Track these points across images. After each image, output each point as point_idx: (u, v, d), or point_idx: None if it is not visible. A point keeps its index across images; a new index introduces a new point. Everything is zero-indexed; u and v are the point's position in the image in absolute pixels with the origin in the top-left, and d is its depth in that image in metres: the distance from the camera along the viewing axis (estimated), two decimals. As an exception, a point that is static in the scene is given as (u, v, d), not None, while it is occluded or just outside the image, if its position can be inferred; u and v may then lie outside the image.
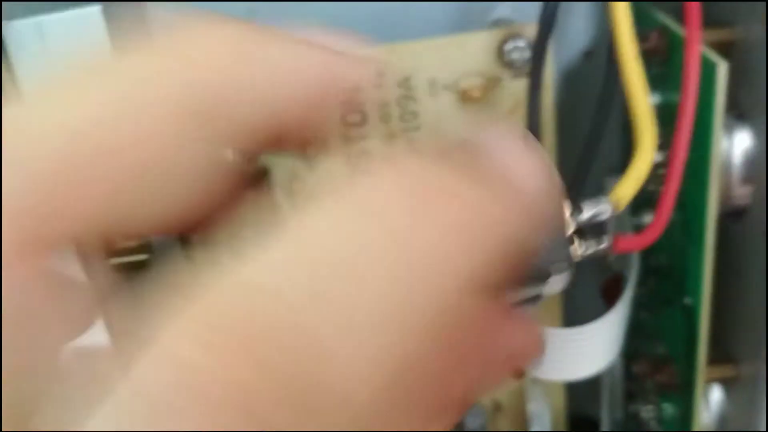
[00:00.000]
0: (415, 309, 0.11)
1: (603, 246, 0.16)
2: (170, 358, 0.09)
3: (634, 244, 0.17)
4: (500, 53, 0.28)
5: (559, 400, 0.36)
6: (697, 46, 0.21)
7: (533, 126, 0.24)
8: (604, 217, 0.16)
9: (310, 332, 0.10)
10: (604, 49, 0.32)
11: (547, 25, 0.25)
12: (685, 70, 0.20)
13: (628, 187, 0.17)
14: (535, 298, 0.16)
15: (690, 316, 0.28)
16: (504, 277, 0.12)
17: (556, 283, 0.15)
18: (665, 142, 0.28)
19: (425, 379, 0.11)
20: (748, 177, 0.26)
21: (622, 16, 0.19)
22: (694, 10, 0.21)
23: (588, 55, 0.32)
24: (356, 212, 0.11)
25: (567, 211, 0.15)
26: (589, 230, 0.17)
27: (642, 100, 0.18)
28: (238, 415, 0.09)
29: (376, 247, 0.11)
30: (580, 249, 0.15)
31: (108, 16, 0.22)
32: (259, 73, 0.14)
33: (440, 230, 0.11)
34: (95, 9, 0.22)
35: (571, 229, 0.15)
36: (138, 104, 0.12)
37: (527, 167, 0.13)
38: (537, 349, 0.14)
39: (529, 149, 0.13)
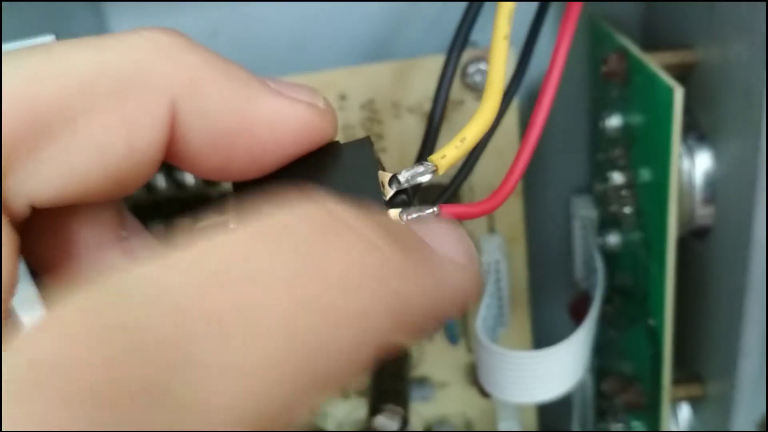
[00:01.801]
0: (302, 345, 0.11)
1: (428, 211, 0.15)
2: (27, 346, 0.09)
3: (461, 211, 0.16)
4: (463, 76, 0.28)
5: (531, 417, 0.36)
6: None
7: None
8: (424, 177, 0.16)
9: (185, 337, 0.10)
10: (569, 73, 0.32)
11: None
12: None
13: (452, 147, 0.16)
14: None
15: (654, 336, 0.28)
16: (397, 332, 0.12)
17: None
18: (626, 163, 0.28)
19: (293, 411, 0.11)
20: (709, 197, 0.26)
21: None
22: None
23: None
24: (262, 238, 0.11)
25: (384, 178, 0.16)
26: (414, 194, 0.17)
27: (500, 73, 0.19)
28: (80, 408, 0.09)
29: (273, 273, 0.11)
30: (402, 215, 0.15)
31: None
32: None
33: (338, 270, 0.11)
34: (49, 39, 0.21)
35: (389, 194, 0.15)
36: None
37: (449, 242, 0.14)
38: None
39: (458, 232, 0.14)
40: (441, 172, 0.16)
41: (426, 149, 0.22)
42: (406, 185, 0.16)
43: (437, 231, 0.14)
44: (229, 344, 0.10)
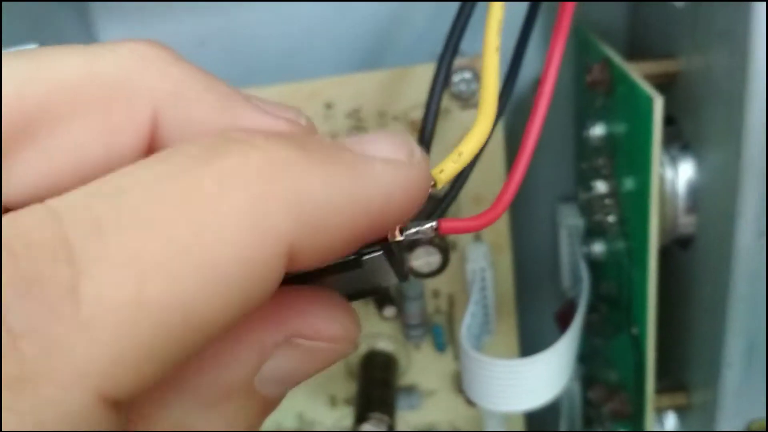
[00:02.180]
0: (186, 236, 0.11)
1: (427, 226, 0.15)
2: None
3: (460, 226, 0.16)
4: (448, 85, 0.29)
5: (518, 426, 0.37)
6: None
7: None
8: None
9: (61, 237, 0.10)
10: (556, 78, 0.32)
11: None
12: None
13: (450, 161, 0.16)
14: (371, 291, 0.16)
15: (637, 345, 0.28)
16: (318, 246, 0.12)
17: (382, 268, 0.15)
18: (610, 172, 0.28)
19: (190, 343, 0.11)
20: (692, 206, 0.27)
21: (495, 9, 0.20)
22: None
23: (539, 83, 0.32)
24: (151, 158, 0.12)
25: None
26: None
27: (493, 86, 0.19)
28: None
29: (152, 177, 0.11)
30: (402, 231, 0.15)
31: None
32: None
33: (219, 168, 0.12)
34: (33, 48, 0.21)
35: None
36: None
37: (380, 142, 0.14)
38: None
39: (394, 135, 0.14)
40: (440, 186, 0.16)
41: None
42: None
43: (368, 136, 0.14)
44: (105, 240, 0.10)
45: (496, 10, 0.20)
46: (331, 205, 0.12)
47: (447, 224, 0.15)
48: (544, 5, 0.26)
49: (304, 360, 0.14)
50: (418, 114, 0.29)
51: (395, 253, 0.15)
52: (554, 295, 0.36)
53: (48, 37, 0.28)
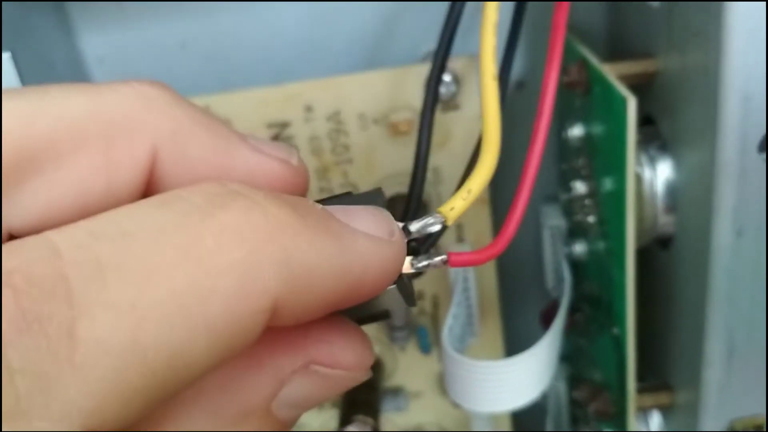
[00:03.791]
0: (180, 287, 0.11)
1: (437, 259, 0.16)
2: None
3: (469, 259, 0.17)
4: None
5: (505, 426, 0.37)
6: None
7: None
8: (434, 228, 0.16)
9: (60, 277, 0.11)
10: (537, 80, 0.32)
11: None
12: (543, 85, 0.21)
13: (459, 199, 0.17)
14: (380, 315, 0.17)
15: (618, 344, 0.28)
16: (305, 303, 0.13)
17: (393, 298, 0.16)
18: (589, 172, 0.28)
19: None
20: (671, 206, 0.26)
21: (487, 34, 0.20)
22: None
23: (520, 85, 0.32)
24: (153, 201, 0.12)
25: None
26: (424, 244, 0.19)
27: (494, 117, 0.19)
28: None
29: (153, 225, 0.12)
30: (413, 263, 0.16)
31: (18, 62, 0.22)
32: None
33: (219, 223, 0.12)
34: (6, 56, 0.22)
35: None
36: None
37: (364, 217, 0.15)
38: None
39: (376, 210, 0.15)
40: (450, 223, 0.17)
41: (417, 180, 0.23)
42: (416, 235, 0.16)
43: (354, 209, 0.15)
44: (106, 285, 0.11)
45: (489, 35, 0.20)
46: (316, 269, 0.13)
47: (456, 258, 0.16)
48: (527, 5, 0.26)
49: (320, 386, 0.15)
50: (398, 116, 0.29)
51: (407, 284, 0.16)
52: (539, 295, 0.36)
53: (27, 41, 0.28)
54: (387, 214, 0.15)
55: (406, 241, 0.16)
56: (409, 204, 0.23)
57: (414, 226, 0.16)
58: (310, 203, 0.14)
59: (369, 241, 0.14)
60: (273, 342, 0.14)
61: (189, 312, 0.11)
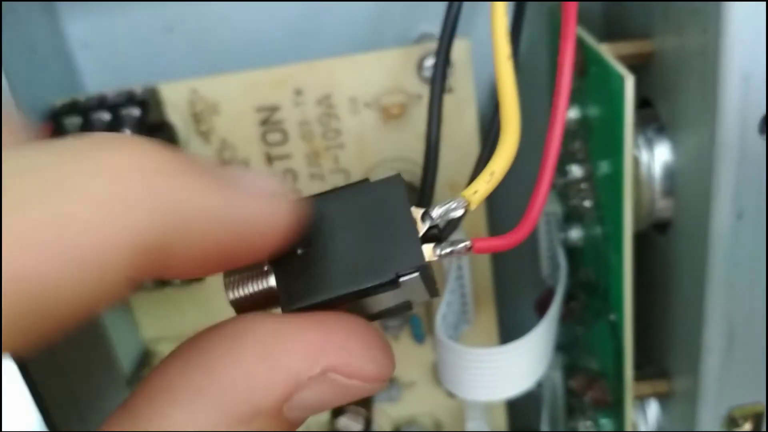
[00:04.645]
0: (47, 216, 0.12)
1: (460, 246, 0.15)
2: None
3: (494, 244, 0.16)
4: (420, 69, 0.28)
5: (500, 416, 0.36)
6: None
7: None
8: (457, 213, 0.16)
9: None
10: (532, 61, 0.32)
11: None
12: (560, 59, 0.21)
13: (482, 182, 0.16)
14: (401, 307, 0.16)
15: (615, 332, 0.27)
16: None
17: (416, 288, 0.15)
18: (585, 156, 0.27)
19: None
20: (669, 190, 0.26)
21: (499, 15, 0.20)
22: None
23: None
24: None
25: (416, 214, 0.16)
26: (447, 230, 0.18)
27: (511, 97, 0.18)
28: None
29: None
30: (435, 250, 0.15)
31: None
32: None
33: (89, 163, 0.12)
34: None
35: (421, 231, 0.15)
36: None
37: (253, 178, 0.14)
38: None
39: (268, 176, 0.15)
40: (473, 207, 0.16)
41: (429, 168, 0.23)
42: (438, 221, 0.16)
43: (250, 172, 0.15)
44: None
45: (500, 14, 0.20)
46: (197, 212, 0.13)
47: (481, 244, 0.16)
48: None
49: (335, 394, 0.15)
50: (389, 99, 0.29)
51: (430, 273, 0.15)
52: (533, 283, 0.35)
53: (9, 24, 0.27)
54: (277, 179, 0.15)
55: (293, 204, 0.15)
56: (423, 191, 0.23)
57: (436, 211, 0.16)
58: (203, 158, 0.14)
59: (260, 196, 0.14)
60: (292, 345, 0.14)
61: (45, 238, 0.11)
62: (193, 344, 0.15)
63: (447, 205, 0.16)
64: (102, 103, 0.28)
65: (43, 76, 0.29)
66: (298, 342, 0.14)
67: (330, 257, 0.15)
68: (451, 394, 0.33)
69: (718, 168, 0.23)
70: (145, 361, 0.33)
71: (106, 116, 0.27)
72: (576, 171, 0.27)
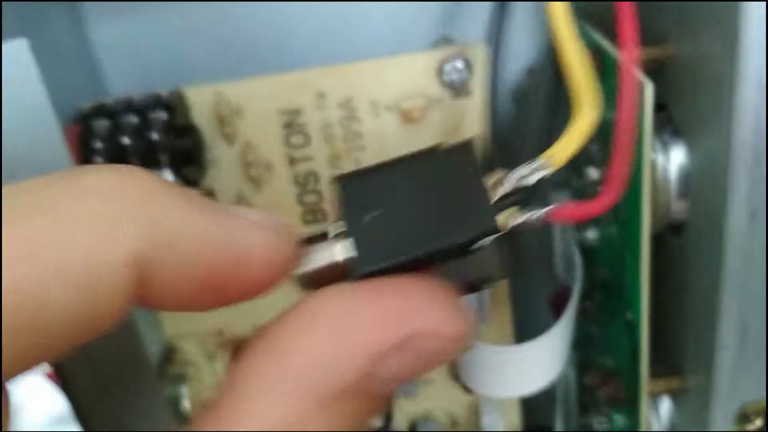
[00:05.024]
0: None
1: (542, 211, 0.15)
2: None
3: (572, 213, 0.16)
4: (440, 73, 0.29)
5: (514, 412, 0.37)
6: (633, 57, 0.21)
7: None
8: (535, 177, 0.15)
9: None
10: (548, 66, 0.32)
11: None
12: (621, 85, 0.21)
13: (564, 145, 0.16)
14: (477, 283, 0.16)
15: (631, 330, 0.28)
16: None
17: (491, 257, 0.15)
18: (602, 158, 0.28)
19: None
20: (684, 192, 0.27)
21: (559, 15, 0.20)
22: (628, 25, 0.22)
23: (531, 71, 0.32)
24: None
25: (490, 179, 0.15)
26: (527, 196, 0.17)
27: (578, 60, 0.18)
28: None
29: None
30: (511, 218, 0.15)
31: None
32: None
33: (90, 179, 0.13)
34: (22, 43, 0.22)
35: (496, 196, 0.15)
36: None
37: (249, 211, 0.15)
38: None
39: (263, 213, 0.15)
40: (556, 166, 0.16)
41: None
42: (516, 184, 0.15)
43: (251, 210, 0.15)
44: None
45: (560, 12, 0.20)
46: (186, 234, 0.13)
47: (563, 211, 0.15)
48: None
49: (419, 360, 0.14)
50: (409, 103, 0.29)
51: (505, 241, 0.15)
52: (548, 282, 0.36)
53: (37, 27, 0.28)
54: (273, 216, 0.15)
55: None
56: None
57: (518, 173, 0.15)
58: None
59: (252, 224, 0.14)
60: (366, 316, 0.14)
61: (39, 257, 0.12)
62: (267, 332, 0.14)
63: (531, 165, 0.15)
64: (129, 106, 0.29)
65: (69, 79, 0.30)
66: (372, 312, 0.14)
67: (401, 222, 0.15)
68: (467, 390, 0.33)
69: (732, 170, 0.24)
70: (168, 357, 0.33)
71: (133, 119, 0.28)
72: (593, 173, 0.28)
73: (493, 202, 0.15)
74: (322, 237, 0.15)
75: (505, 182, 0.15)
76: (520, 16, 0.31)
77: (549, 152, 0.16)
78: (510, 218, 0.15)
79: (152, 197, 0.13)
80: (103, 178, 0.13)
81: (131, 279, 0.13)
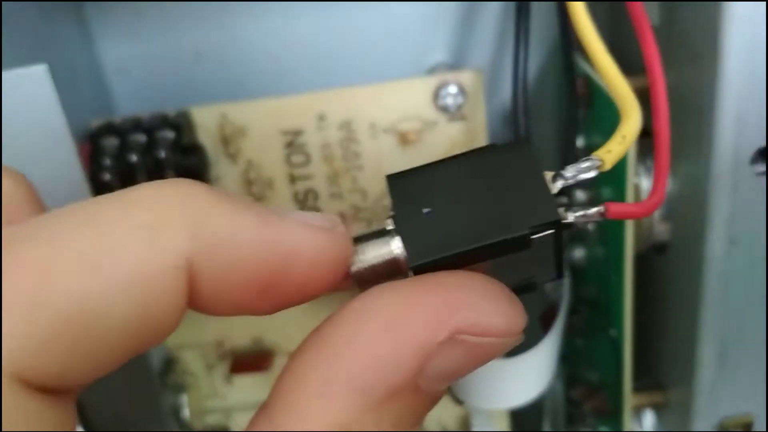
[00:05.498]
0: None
1: (593, 210, 0.15)
2: None
3: (629, 210, 0.16)
4: (435, 98, 0.30)
5: (504, 424, 0.38)
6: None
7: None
8: (591, 174, 0.16)
9: None
10: (545, 83, 0.33)
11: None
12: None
13: (615, 143, 0.16)
14: (525, 286, 0.16)
15: (616, 346, 0.29)
16: None
17: (545, 255, 0.15)
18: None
19: None
20: (667, 215, 0.28)
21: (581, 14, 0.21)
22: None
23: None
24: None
25: (548, 174, 0.15)
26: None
27: (621, 79, 0.20)
28: None
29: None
30: (569, 213, 0.15)
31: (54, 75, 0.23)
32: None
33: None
34: (42, 69, 0.23)
35: (555, 190, 0.15)
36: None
37: (299, 212, 0.15)
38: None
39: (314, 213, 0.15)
40: (607, 167, 0.16)
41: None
42: (572, 181, 0.15)
43: (293, 210, 0.15)
44: (22, 247, 0.12)
45: (579, 9, 0.21)
46: (234, 238, 0.13)
47: (615, 208, 0.15)
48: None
49: (469, 356, 0.14)
50: (405, 126, 0.31)
51: (562, 239, 0.15)
52: (537, 298, 0.37)
53: (51, 49, 0.29)
54: (328, 216, 0.15)
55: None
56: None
57: (569, 172, 0.15)
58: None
59: (301, 225, 0.14)
60: (414, 313, 0.13)
61: (94, 265, 0.12)
62: (317, 333, 0.14)
63: (581, 165, 0.15)
64: (137, 125, 0.30)
65: (79, 98, 0.31)
66: (421, 308, 0.14)
67: (458, 216, 0.15)
68: (457, 402, 0.34)
69: (711, 197, 0.25)
70: (168, 366, 0.34)
71: (141, 138, 0.29)
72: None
73: (553, 194, 0.15)
74: (377, 234, 0.15)
75: (567, 175, 0.15)
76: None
77: (600, 152, 0.16)
78: (567, 213, 0.15)
79: (196, 201, 0.13)
80: (146, 190, 0.13)
81: (183, 283, 0.13)
